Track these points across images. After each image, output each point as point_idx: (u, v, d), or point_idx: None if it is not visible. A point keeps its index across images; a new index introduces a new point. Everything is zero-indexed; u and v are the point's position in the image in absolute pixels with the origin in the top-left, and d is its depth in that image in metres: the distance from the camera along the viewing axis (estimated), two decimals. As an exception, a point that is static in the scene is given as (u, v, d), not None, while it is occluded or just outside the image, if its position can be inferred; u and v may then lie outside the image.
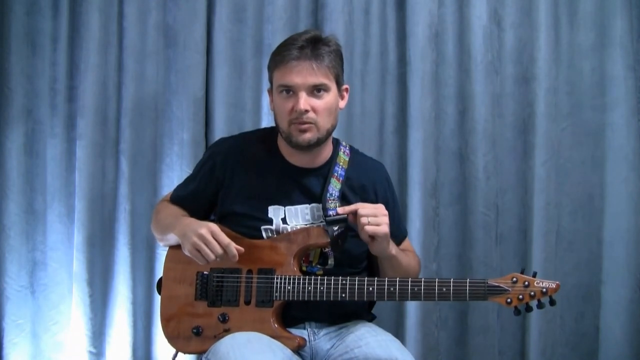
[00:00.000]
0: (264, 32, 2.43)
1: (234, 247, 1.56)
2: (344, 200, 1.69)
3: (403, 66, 2.41)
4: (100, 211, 2.41)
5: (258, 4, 2.43)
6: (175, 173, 2.41)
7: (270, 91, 1.70)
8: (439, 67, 2.40)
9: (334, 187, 1.69)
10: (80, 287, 2.37)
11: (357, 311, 1.74)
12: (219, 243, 1.55)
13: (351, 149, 1.81)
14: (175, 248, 1.69)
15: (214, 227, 1.57)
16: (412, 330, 2.34)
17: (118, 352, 2.40)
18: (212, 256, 1.55)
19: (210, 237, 1.55)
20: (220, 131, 2.39)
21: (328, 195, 1.66)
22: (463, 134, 2.41)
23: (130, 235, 2.40)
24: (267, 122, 2.42)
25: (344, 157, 1.76)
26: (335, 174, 1.71)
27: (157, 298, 1.73)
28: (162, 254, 2.37)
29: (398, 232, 1.77)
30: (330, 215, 1.62)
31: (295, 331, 1.65)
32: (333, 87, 1.63)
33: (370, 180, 1.76)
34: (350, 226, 1.64)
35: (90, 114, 2.38)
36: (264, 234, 1.67)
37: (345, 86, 1.70)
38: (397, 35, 2.44)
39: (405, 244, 1.84)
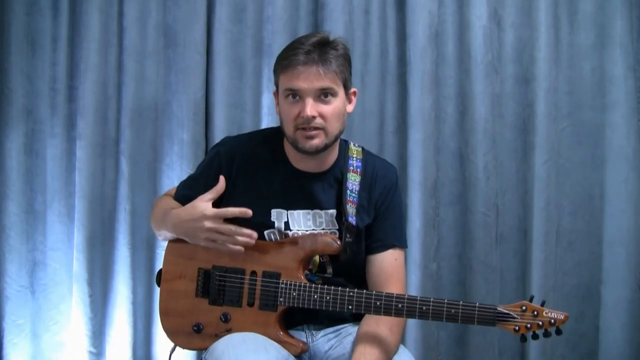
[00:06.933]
0: (264, 32, 2.42)
1: (241, 228, 1.59)
2: (361, 203, 1.68)
3: (403, 66, 2.41)
4: (100, 211, 2.41)
5: (258, 4, 2.43)
6: (175, 173, 2.41)
7: (276, 94, 1.67)
8: (439, 67, 2.39)
9: (353, 181, 1.68)
10: (80, 287, 2.37)
11: (356, 314, 1.73)
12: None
13: (362, 147, 1.78)
14: (176, 241, 1.69)
15: (208, 212, 1.58)
16: (412, 330, 2.34)
17: (118, 352, 2.40)
18: (230, 240, 1.58)
19: (215, 224, 1.57)
20: (220, 131, 2.39)
21: (347, 195, 1.65)
22: (463, 134, 2.40)
23: (130, 235, 2.40)
24: (267, 122, 2.42)
25: (355, 148, 1.74)
26: (351, 168, 1.69)
27: (157, 298, 1.72)
28: (162, 253, 2.35)
29: (387, 240, 1.70)
30: (349, 222, 1.62)
31: (293, 333, 1.65)
32: (341, 91, 1.60)
33: (371, 180, 1.73)
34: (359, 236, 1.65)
35: (90, 114, 2.38)
36: (266, 237, 1.67)
37: (353, 90, 1.67)
38: (397, 35, 2.44)
39: (393, 263, 1.69)
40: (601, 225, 2.38)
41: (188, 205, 1.64)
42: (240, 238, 1.58)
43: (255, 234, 1.59)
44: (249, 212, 1.58)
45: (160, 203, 1.80)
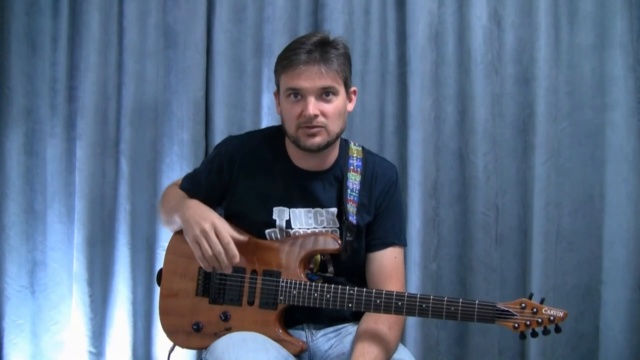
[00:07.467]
0: (264, 32, 2.43)
1: (234, 247, 1.54)
2: (361, 202, 1.68)
3: (403, 66, 2.41)
4: (100, 211, 2.41)
5: (258, 4, 2.43)
6: (175, 173, 2.41)
7: (276, 94, 1.68)
8: (439, 67, 2.39)
9: (354, 180, 1.68)
10: (80, 287, 2.37)
11: (356, 313, 1.72)
12: (220, 240, 1.54)
13: (362, 146, 1.79)
14: (177, 240, 1.69)
15: (218, 222, 1.56)
16: (412, 330, 2.34)
17: (118, 352, 2.40)
18: (209, 252, 1.54)
19: (213, 234, 1.54)
20: (220, 131, 2.39)
21: (348, 194, 1.66)
22: (463, 134, 2.40)
23: (130, 235, 2.40)
24: (267, 122, 2.42)
25: (355, 147, 1.75)
26: (352, 167, 1.70)
27: (157, 298, 1.72)
28: (162, 254, 2.36)
29: (386, 238, 1.70)
30: (350, 221, 1.62)
31: (293, 332, 1.65)
32: (342, 90, 1.61)
33: (372, 179, 1.73)
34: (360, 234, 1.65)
35: (90, 114, 2.38)
36: (267, 237, 1.67)
37: (353, 88, 1.68)
38: (397, 35, 2.44)
39: (392, 260, 1.70)
40: (601, 225, 2.38)
41: (207, 208, 1.64)
42: (222, 256, 1.54)
43: (236, 259, 1.55)
44: (236, 257, 1.55)
45: (172, 191, 1.81)
